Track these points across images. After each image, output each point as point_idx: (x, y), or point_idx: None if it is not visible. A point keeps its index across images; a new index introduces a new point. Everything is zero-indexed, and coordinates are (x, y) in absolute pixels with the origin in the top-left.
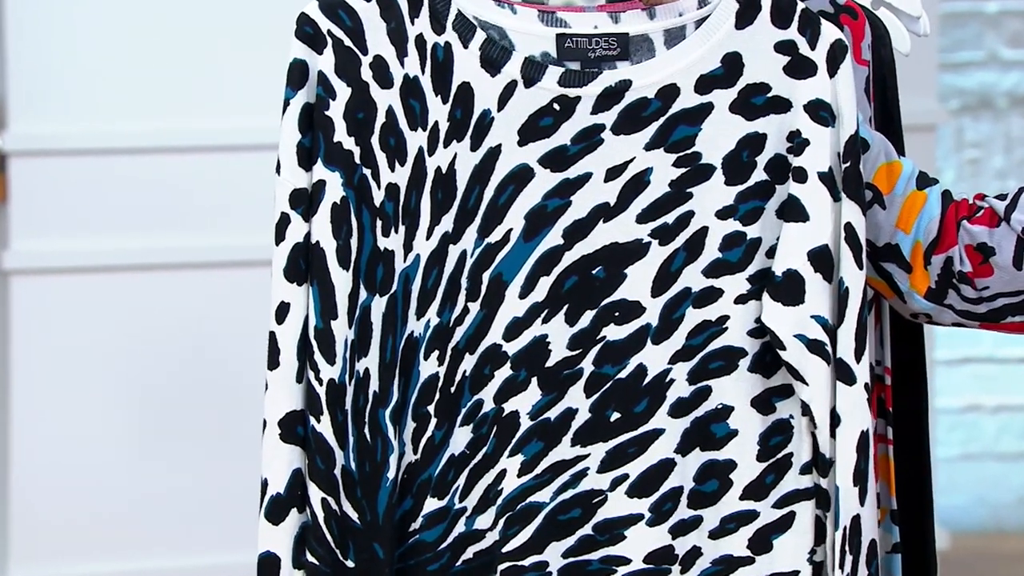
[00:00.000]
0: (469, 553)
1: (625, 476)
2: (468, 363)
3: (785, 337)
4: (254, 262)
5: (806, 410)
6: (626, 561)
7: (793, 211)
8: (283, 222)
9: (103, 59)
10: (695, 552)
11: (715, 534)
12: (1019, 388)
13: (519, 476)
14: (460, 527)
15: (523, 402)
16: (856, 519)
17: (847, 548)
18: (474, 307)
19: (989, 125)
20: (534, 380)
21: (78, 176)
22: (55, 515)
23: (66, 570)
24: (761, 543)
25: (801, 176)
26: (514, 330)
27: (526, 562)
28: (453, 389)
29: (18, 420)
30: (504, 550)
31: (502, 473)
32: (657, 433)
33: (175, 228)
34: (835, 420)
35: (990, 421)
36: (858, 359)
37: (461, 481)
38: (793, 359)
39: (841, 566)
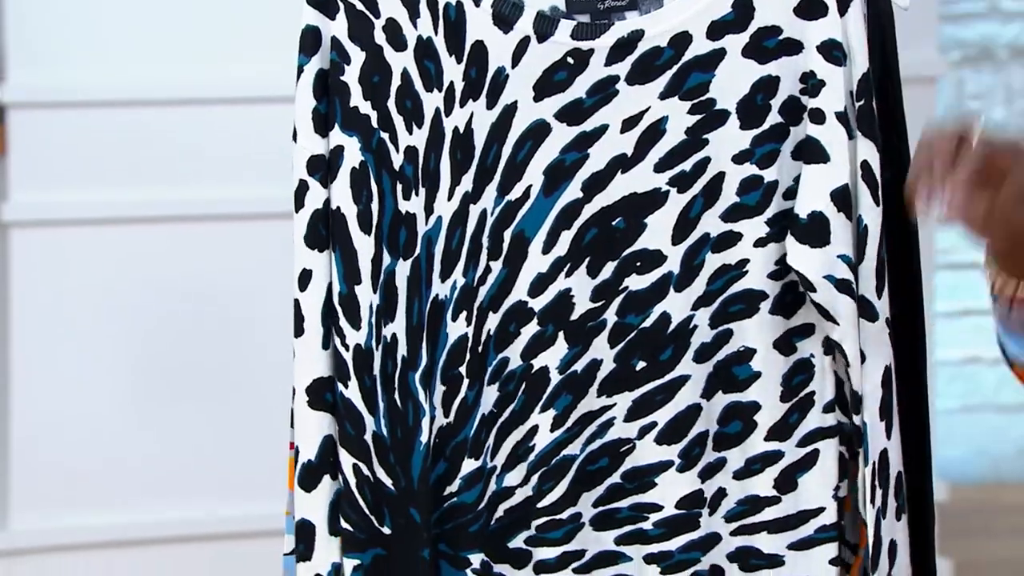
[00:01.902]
0: (500, 511)
1: (653, 424)
2: (492, 322)
3: (815, 278)
4: (258, 215)
5: (828, 349)
6: (658, 508)
7: (813, 152)
8: (302, 189)
9: (105, 7)
10: (720, 493)
11: (740, 475)
12: None
13: (552, 431)
14: (492, 485)
15: (552, 357)
16: (884, 453)
17: (876, 483)
18: (496, 265)
19: (990, 76)
20: (560, 334)
21: (78, 127)
22: (56, 466)
23: (67, 520)
24: (786, 482)
25: (819, 117)
26: (539, 286)
27: (563, 515)
28: (480, 349)
29: (18, 373)
30: (539, 505)
31: (533, 429)
32: (683, 380)
33: (177, 180)
34: (861, 357)
35: (990, 373)
36: (879, 295)
37: (491, 440)
38: (824, 300)
39: (872, 500)
